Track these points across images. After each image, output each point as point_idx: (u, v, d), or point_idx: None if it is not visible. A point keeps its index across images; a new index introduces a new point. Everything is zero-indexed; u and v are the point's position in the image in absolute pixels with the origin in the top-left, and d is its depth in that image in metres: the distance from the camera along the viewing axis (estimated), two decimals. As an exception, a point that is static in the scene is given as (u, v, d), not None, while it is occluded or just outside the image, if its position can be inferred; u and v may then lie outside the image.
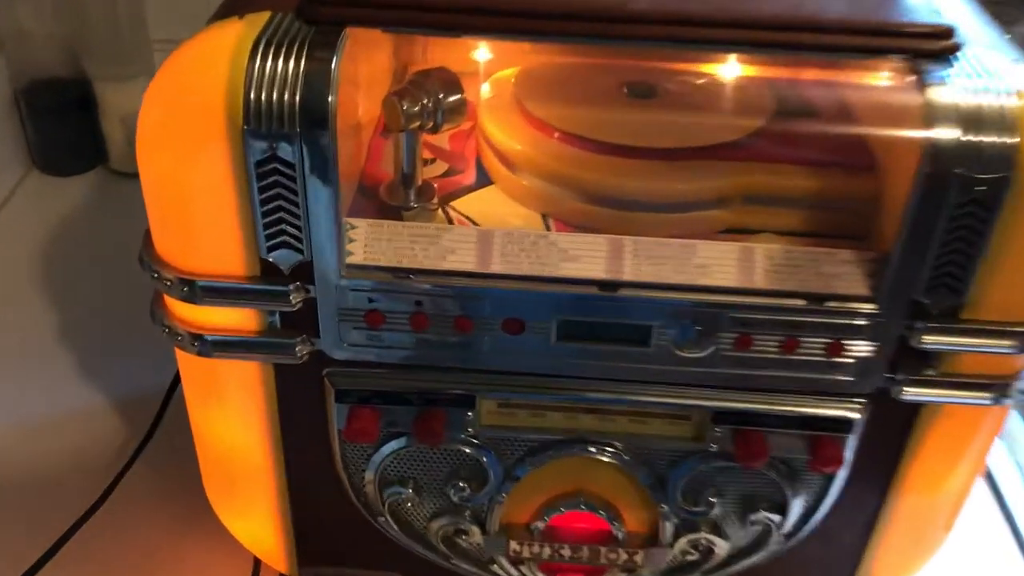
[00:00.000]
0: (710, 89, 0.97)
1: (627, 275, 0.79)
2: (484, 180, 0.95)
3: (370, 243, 0.80)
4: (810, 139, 0.87)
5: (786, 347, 0.80)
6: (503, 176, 0.93)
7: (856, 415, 0.84)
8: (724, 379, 0.83)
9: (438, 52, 1.04)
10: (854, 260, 0.79)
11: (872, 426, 0.84)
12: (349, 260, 0.78)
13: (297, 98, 0.71)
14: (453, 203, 0.86)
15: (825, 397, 0.83)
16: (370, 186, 0.92)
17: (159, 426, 1.20)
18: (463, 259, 0.79)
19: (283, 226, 0.75)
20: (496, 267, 0.79)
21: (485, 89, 0.99)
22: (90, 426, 1.23)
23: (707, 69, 0.99)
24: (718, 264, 0.80)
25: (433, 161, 0.97)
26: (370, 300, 0.81)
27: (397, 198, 0.88)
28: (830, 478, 0.87)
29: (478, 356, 0.82)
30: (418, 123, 0.84)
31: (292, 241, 0.76)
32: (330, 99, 0.71)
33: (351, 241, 0.79)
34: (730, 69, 0.97)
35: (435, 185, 0.91)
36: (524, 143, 0.87)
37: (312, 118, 0.71)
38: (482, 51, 1.00)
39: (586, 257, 0.80)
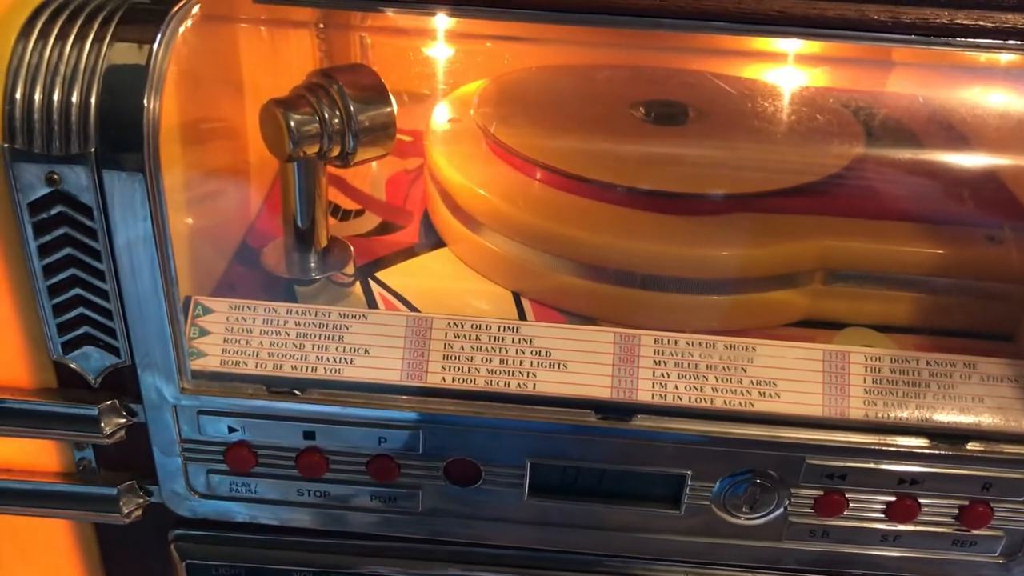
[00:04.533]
0: (765, 106, 0.66)
1: (645, 395, 0.54)
2: (433, 241, 0.66)
3: (232, 338, 0.55)
4: (934, 178, 0.62)
5: (897, 512, 0.56)
6: (459, 235, 0.64)
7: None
8: (797, 559, 0.58)
9: (384, 48, 0.76)
10: (1011, 376, 0.54)
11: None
12: (196, 365, 0.55)
13: (92, 99, 0.47)
14: (380, 273, 0.61)
15: None
16: (259, 248, 0.61)
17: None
18: (383, 365, 0.54)
19: (83, 309, 0.52)
20: (437, 379, 0.54)
21: (439, 112, 0.68)
22: None
23: (756, 74, 0.68)
24: (790, 379, 0.54)
25: (360, 214, 0.66)
26: (231, 430, 0.55)
27: (289, 266, 0.57)
28: None
29: (411, 520, 0.58)
30: (316, 149, 0.53)
31: (100, 335, 0.53)
32: (149, 103, 0.47)
33: (200, 335, 0.54)
34: (792, 75, 0.67)
35: (351, 248, 0.60)
36: (491, 187, 0.63)
37: (116, 132, 0.47)
38: (440, 46, 0.70)
39: (580, 364, 0.54)
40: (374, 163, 0.68)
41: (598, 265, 0.59)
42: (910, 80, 0.70)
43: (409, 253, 0.64)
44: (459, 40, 0.72)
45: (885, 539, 0.56)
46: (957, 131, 0.67)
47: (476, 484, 0.55)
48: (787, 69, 0.70)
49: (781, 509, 0.55)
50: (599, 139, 0.64)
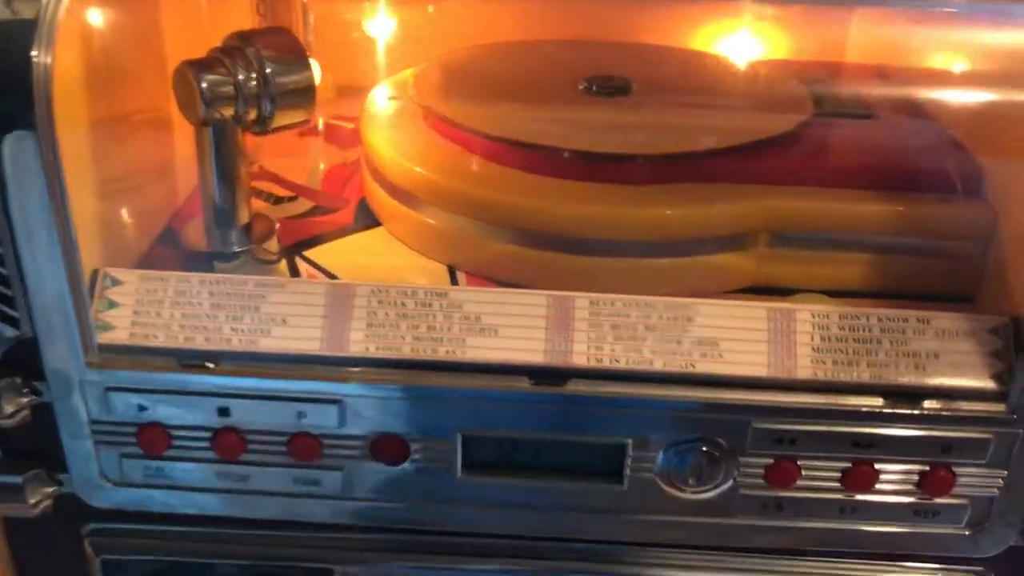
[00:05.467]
0: (712, 77, 0.64)
1: (580, 358, 0.50)
2: (368, 222, 0.63)
3: (143, 310, 0.51)
4: (884, 144, 0.60)
5: (853, 480, 0.52)
6: (394, 211, 0.62)
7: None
8: (751, 537, 0.54)
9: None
10: (967, 330, 0.51)
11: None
12: (104, 339, 0.51)
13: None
14: (309, 252, 0.58)
15: (917, 566, 0.55)
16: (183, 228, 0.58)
17: None
18: (301, 335, 0.51)
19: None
20: (359, 348, 0.51)
21: (378, 93, 0.66)
22: None
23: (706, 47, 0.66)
24: (733, 339, 0.51)
25: (293, 200, 0.63)
26: (142, 408, 0.51)
27: (209, 241, 0.54)
28: None
29: (337, 505, 0.54)
30: (231, 111, 0.51)
31: (-4, 305, 0.49)
32: (40, 56, 0.45)
33: (109, 307, 0.50)
34: (744, 47, 0.65)
35: (275, 223, 0.57)
36: (427, 160, 0.60)
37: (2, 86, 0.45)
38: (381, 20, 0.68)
39: (512, 328, 0.51)
40: (322, 166, 0.66)
41: (536, 231, 0.56)
42: (863, 48, 0.68)
43: (341, 233, 0.61)
44: (402, 8, 0.70)
45: (843, 511, 0.52)
46: (911, 98, 0.65)
47: (404, 462, 0.52)
48: (739, 39, 0.68)
49: (730, 481, 0.52)
50: (538, 109, 0.62)
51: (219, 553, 0.55)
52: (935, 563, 0.55)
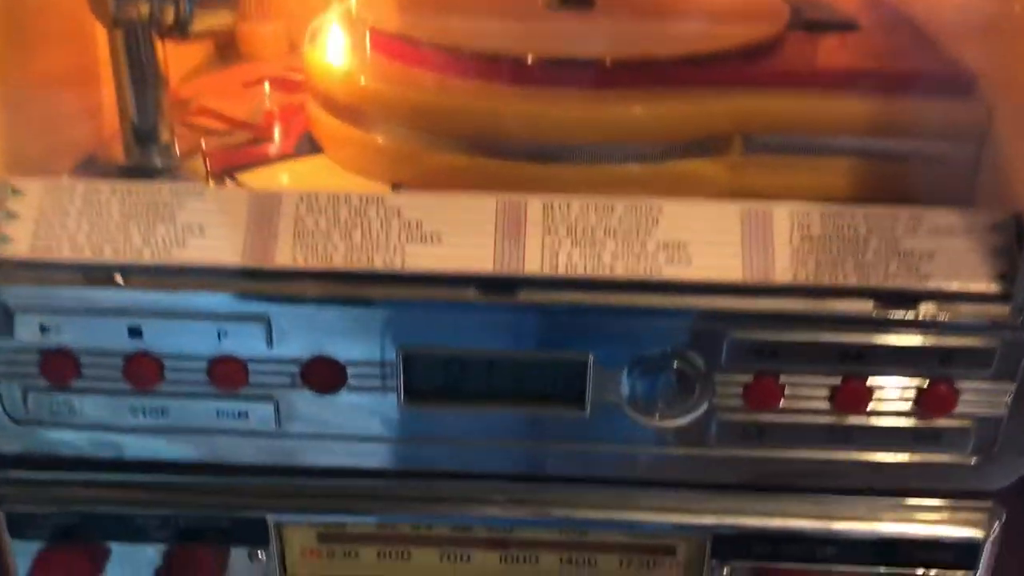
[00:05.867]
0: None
1: (533, 265, 0.45)
2: (309, 150, 0.58)
3: (46, 221, 0.46)
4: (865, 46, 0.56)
5: (843, 399, 0.47)
6: (336, 133, 0.57)
7: (978, 534, 0.50)
8: (729, 471, 0.49)
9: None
10: (965, 227, 0.46)
11: (1013, 557, 0.49)
12: (2, 253, 0.46)
13: None
14: (242, 175, 0.52)
15: (919, 502, 0.50)
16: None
17: None
18: (221, 246, 0.46)
19: None
20: (286, 258, 0.46)
21: (320, 20, 0.62)
22: None
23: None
24: (704, 241, 0.46)
25: (229, 134, 0.59)
26: (45, 329, 0.46)
27: (127, 157, 0.49)
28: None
29: (268, 443, 0.49)
30: (146, 11, 0.46)
31: None
32: None
33: (9, 219, 0.47)
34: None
35: (202, 141, 0.52)
36: (370, 72, 0.55)
37: None
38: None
39: (457, 235, 0.46)
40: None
41: (488, 138, 0.50)
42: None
43: (278, 159, 0.56)
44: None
45: (833, 436, 0.47)
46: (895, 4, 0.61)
47: (341, 389, 0.47)
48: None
49: (705, 403, 0.46)
50: (493, 18, 0.57)
51: (138, 502, 0.49)
52: (938, 498, 0.49)
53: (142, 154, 0.50)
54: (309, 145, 0.58)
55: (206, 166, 0.52)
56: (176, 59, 0.54)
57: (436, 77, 0.53)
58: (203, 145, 0.52)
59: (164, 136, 0.51)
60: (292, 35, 0.76)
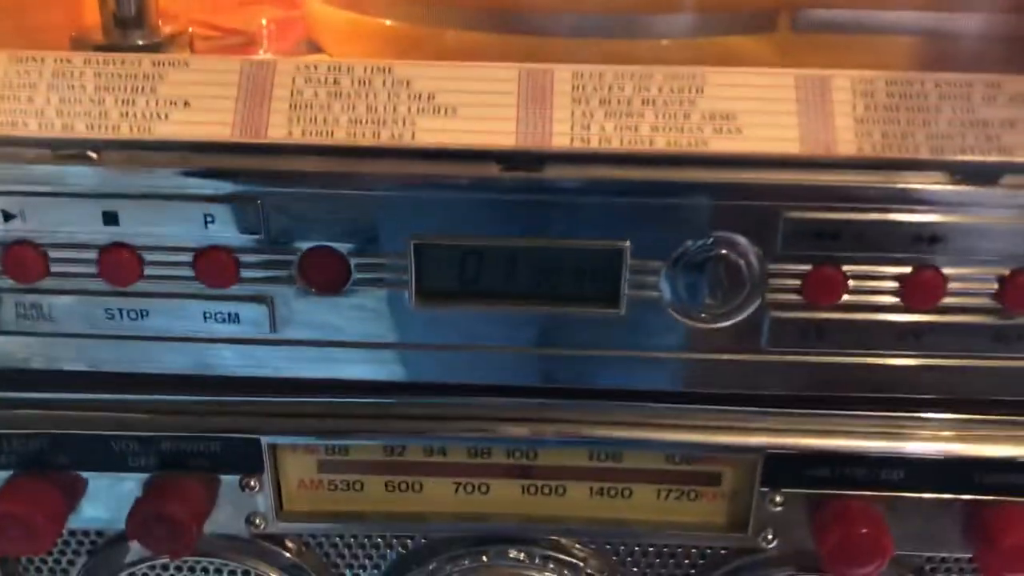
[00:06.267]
0: None
1: (562, 139, 0.40)
2: (307, 50, 0.54)
3: (12, 95, 0.42)
4: None
5: (916, 290, 0.41)
6: (338, 26, 0.52)
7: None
8: (782, 380, 0.43)
9: None
10: None
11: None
12: None
13: None
14: None
15: (1004, 417, 0.44)
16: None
17: None
18: (208, 119, 0.41)
19: None
20: (280, 132, 0.40)
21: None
22: None
23: None
24: (754, 111, 0.40)
25: (220, 39, 0.54)
26: (8, 216, 0.41)
27: (106, 32, 0.45)
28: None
29: (258, 353, 0.44)
30: None
31: None
32: None
33: None
34: None
35: (190, 29, 0.47)
36: None
37: None
38: None
39: (474, 108, 0.41)
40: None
41: (507, 9, 0.45)
42: None
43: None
44: None
45: (902, 338, 0.41)
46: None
47: (344, 287, 0.41)
48: None
49: (758, 300, 0.41)
50: None
51: (115, 423, 0.43)
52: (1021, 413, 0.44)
53: (123, 30, 0.45)
54: (307, 49, 0.54)
55: (192, 50, 0.47)
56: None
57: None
58: (190, 30, 0.47)
59: (149, 19, 0.46)
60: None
